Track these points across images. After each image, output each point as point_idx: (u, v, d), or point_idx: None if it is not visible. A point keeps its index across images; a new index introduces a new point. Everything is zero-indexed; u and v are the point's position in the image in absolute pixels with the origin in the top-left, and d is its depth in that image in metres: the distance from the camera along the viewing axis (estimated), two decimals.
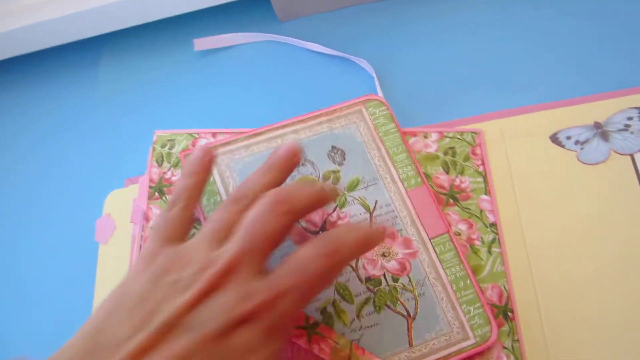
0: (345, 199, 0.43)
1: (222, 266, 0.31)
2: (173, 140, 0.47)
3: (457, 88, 0.51)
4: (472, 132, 0.47)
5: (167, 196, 0.44)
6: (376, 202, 0.43)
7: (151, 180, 0.45)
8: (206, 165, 0.39)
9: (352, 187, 0.44)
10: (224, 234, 0.34)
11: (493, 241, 0.43)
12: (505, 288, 0.41)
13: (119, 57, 0.61)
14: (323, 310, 0.40)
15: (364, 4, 0.57)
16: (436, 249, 0.41)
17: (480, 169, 0.45)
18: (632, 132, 0.45)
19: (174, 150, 0.46)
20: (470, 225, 0.43)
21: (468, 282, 0.40)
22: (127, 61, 0.60)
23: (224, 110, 0.54)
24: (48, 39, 0.58)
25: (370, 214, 0.43)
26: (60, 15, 0.55)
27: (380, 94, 0.51)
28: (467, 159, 0.46)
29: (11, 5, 0.56)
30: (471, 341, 0.38)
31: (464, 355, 0.38)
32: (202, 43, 0.58)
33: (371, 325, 0.39)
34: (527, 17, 0.53)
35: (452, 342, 0.38)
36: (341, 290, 0.40)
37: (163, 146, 0.47)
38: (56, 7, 0.55)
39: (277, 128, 0.46)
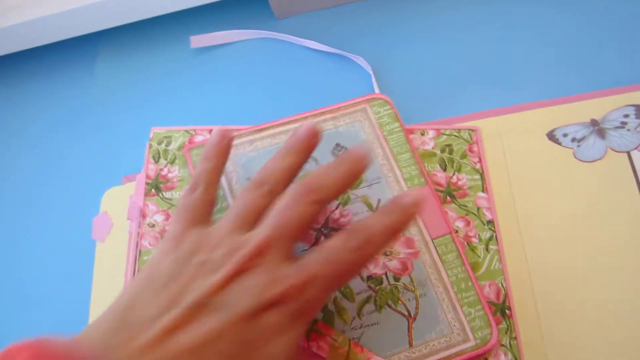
0: (349, 196, 0.43)
1: (253, 249, 0.32)
2: (170, 136, 0.47)
3: (454, 85, 0.51)
4: (469, 130, 0.47)
5: (163, 193, 0.44)
6: (379, 200, 0.43)
7: (148, 177, 0.45)
8: (224, 149, 0.40)
9: (356, 185, 0.44)
10: (249, 218, 0.35)
11: (490, 239, 0.43)
12: (502, 285, 0.41)
13: (115, 54, 0.61)
14: (324, 308, 0.40)
15: (361, 1, 0.57)
16: (438, 249, 0.41)
17: (477, 166, 0.45)
18: (628, 130, 0.45)
19: (170, 147, 0.46)
20: (468, 223, 0.43)
21: (469, 283, 0.40)
22: (123, 58, 0.60)
23: (221, 108, 0.54)
24: (43, 35, 0.57)
25: (374, 212, 0.42)
26: (56, 12, 0.54)
27: (377, 91, 0.51)
28: (464, 156, 0.46)
29: (6, 2, 0.56)
30: (471, 343, 0.38)
31: (464, 357, 0.38)
32: (198, 40, 0.58)
33: (372, 324, 0.39)
34: (524, 15, 0.53)
35: (453, 344, 0.38)
36: (342, 288, 0.40)
37: (160, 143, 0.46)
38: (52, 4, 0.55)
39: (281, 124, 0.46)
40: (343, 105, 0.46)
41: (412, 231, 0.42)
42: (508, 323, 0.40)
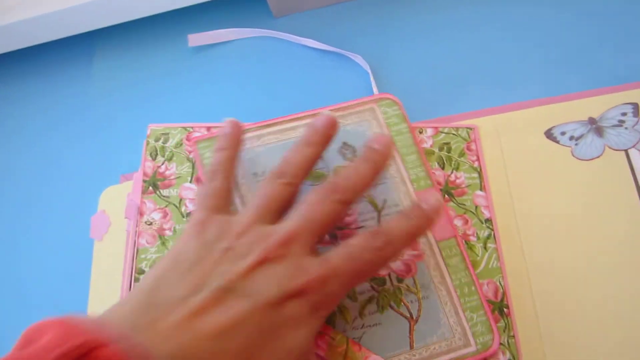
0: None
1: (280, 239, 0.33)
2: (167, 133, 0.47)
3: (452, 84, 0.51)
4: (467, 128, 0.47)
5: (161, 190, 0.44)
6: (385, 201, 0.42)
7: (145, 174, 0.45)
8: (238, 138, 0.41)
9: None
10: (271, 208, 0.36)
11: (488, 237, 0.43)
12: (500, 284, 0.41)
13: (113, 53, 0.61)
14: None
15: None
16: (443, 252, 0.41)
17: (475, 164, 0.45)
18: (626, 128, 0.45)
19: (167, 144, 0.46)
20: (466, 221, 0.43)
21: (473, 288, 0.40)
22: (121, 57, 0.60)
23: (219, 106, 0.54)
24: (41, 34, 0.57)
25: (379, 212, 0.42)
26: (53, 11, 0.54)
27: (375, 89, 0.51)
28: (462, 154, 0.46)
29: (4, 1, 0.56)
30: (472, 348, 0.38)
31: None
32: (196, 39, 0.58)
33: (373, 325, 0.39)
34: (521, 14, 0.53)
35: (453, 348, 0.38)
36: None
37: (157, 140, 0.46)
38: (49, 3, 0.55)
39: (290, 120, 0.46)
40: (351, 104, 0.46)
41: None
42: (506, 321, 0.40)
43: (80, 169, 0.54)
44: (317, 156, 0.39)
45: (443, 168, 0.45)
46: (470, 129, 0.47)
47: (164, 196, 0.44)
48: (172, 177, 0.45)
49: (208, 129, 0.46)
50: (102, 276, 0.47)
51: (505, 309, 0.40)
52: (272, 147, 0.44)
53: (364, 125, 0.45)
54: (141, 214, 0.43)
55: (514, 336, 0.39)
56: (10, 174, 0.55)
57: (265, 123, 0.45)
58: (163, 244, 0.42)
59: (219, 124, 0.47)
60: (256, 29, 0.57)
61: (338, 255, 0.34)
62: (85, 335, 0.26)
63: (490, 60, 0.52)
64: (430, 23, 0.55)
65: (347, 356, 0.37)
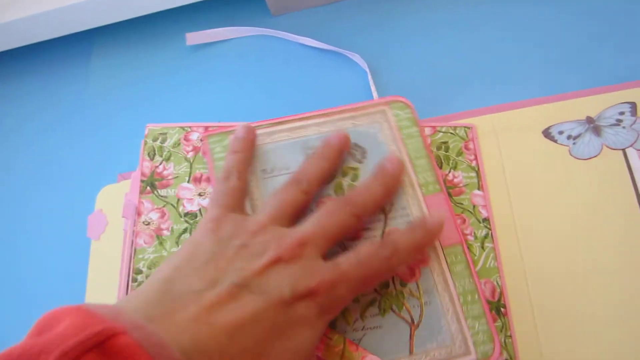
0: None
1: (295, 241, 0.35)
2: (165, 133, 0.47)
3: (450, 83, 0.51)
4: (465, 127, 0.47)
5: (159, 190, 0.44)
6: (392, 204, 0.42)
7: (143, 174, 0.45)
8: (251, 142, 0.43)
9: None
10: (286, 212, 0.38)
11: (486, 236, 0.43)
12: (498, 283, 0.41)
13: (110, 51, 0.60)
14: None
15: None
16: (448, 259, 0.40)
17: (473, 163, 0.45)
18: (624, 127, 0.45)
19: (165, 144, 0.46)
20: (463, 221, 0.43)
21: (476, 296, 0.39)
22: (119, 55, 0.60)
23: (217, 104, 0.54)
24: (38, 32, 0.57)
25: (386, 215, 0.42)
26: (51, 9, 0.54)
27: (373, 88, 0.51)
28: (460, 153, 0.46)
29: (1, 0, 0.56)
30: (472, 357, 0.38)
31: None
32: (194, 37, 0.57)
33: (374, 327, 0.39)
34: (519, 13, 0.53)
35: (453, 355, 0.38)
36: None
37: (155, 140, 0.46)
38: (47, 0, 0.55)
39: (301, 119, 0.46)
40: (364, 105, 0.46)
41: None
42: (503, 321, 0.40)
43: (78, 167, 0.54)
44: (331, 170, 0.42)
45: (441, 167, 0.45)
46: (468, 128, 0.47)
47: (161, 196, 0.44)
48: (170, 177, 0.45)
49: (206, 128, 0.46)
50: (99, 275, 0.47)
51: (502, 309, 0.40)
52: (282, 144, 0.44)
53: (375, 127, 0.45)
54: (139, 213, 0.43)
55: (510, 336, 0.39)
56: (8, 172, 0.55)
57: (277, 121, 0.46)
58: (161, 244, 0.42)
59: (216, 123, 0.47)
60: (254, 28, 0.57)
61: (348, 261, 0.35)
62: (103, 323, 0.27)
63: (488, 59, 0.51)
64: (428, 22, 0.55)
65: (344, 356, 0.37)
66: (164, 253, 0.42)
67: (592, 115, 0.46)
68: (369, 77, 0.51)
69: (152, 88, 0.57)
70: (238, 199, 0.40)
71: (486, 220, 0.43)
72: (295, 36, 0.55)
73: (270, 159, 0.44)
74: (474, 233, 0.43)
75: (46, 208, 0.52)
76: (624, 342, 0.39)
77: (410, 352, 0.38)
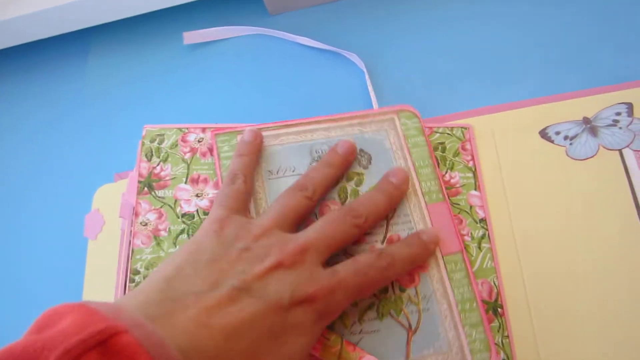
0: None
1: (297, 247, 0.35)
2: (162, 134, 0.47)
3: (447, 83, 0.51)
4: (462, 128, 0.47)
5: (156, 191, 0.44)
6: (395, 210, 0.43)
7: (140, 175, 0.45)
8: (257, 146, 0.44)
9: None
10: (289, 218, 0.38)
11: (483, 237, 0.43)
12: (495, 284, 0.41)
13: (108, 50, 0.60)
14: None
15: None
16: (447, 266, 0.41)
17: (470, 164, 0.45)
18: (620, 128, 0.45)
19: (163, 145, 0.46)
20: (460, 221, 0.43)
21: (474, 305, 0.39)
22: (116, 54, 0.60)
23: (214, 104, 0.54)
24: (35, 31, 0.57)
25: (388, 221, 0.42)
26: (48, 7, 0.54)
27: (370, 88, 0.51)
28: (456, 154, 0.46)
29: None
30: None
31: None
32: (191, 36, 0.57)
33: (371, 331, 0.39)
34: (517, 13, 0.53)
35: None
36: None
37: (152, 141, 0.46)
38: (43, 0, 0.54)
39: (309, 123, 0.46)
40: (373, 113, 0.46)
41: None
42: (500, 321, 0.40)
43: (75, 167, 0.54)
44: (336, 177, 0.43)
45: (438, 168, 0.45)
46: (465, 128, 0.47)
47: (159, 197, 0.44)
48: (168, 178, 0.45)
49: (203, 129, 0.46)
50: (96, 275, 0.46)
51: (499, 309, 0.40)
52: (289, 147, 0.45)
53: (382, 134, 0.45)
54: (136, 214, 0.43)
55: (508, 336, 0.39)
56: (4, 171, 0.55)
57: (285, 123, 0.46)
58: (158, 244, 0.42)
59: (214, 125, 0.47)
60: (251, 27, 0.57)
61: (346, 269, 0.36)
62: (105, 321, 0.27)
63: (486, 59, 0.52)
64: (425, 22, 0.55)
65: (341, 356, 0.37)
66: (162, 254, 0.42)
67: (589, 115, 0.46)
68: (366, 76, 0.51)
69: (150, 87, 0.57)
70: (243, 201, 0.40)
71: (483, 220, 0.43)
72: (293, 36, 0.55)
73: (277, 160, 0.44)
74: (471, 233, 0.43)
75: (43, 207, 0.52)
76: (621, 340, 0.39)
77: (407, 357, 0.38)
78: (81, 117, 0.56)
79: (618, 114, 0.46)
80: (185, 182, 0.44)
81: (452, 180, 0.45)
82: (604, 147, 0.45)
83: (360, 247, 0.41)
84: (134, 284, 0.41)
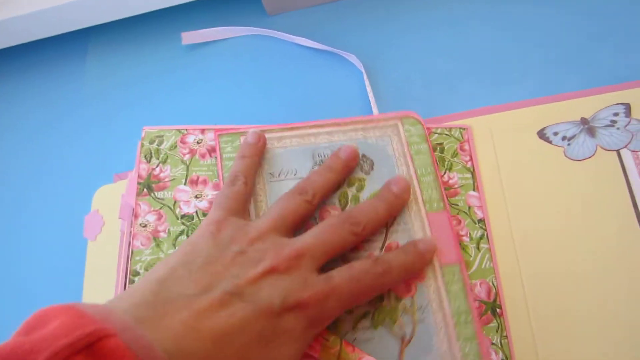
0: None
1: (292, 252, 0.35)
2: (161, 136, 0.47)
3: (445, 83, 0.51)
4: (460, 128, 0.47)
5: (155, 192, 0.44)
6: (395, 218, 0.42)
7: (139, 177, 0.45)
8: (259, 148, 0.44)
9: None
10: (287, 221, 0.38)
11: (481, 237, 0.43)
12: (493, 284, 0.41)
13: (106, 50, 0.60)
14: None
15: None
16: (445, 277, 0.40)
17: (469, 164, 0.46)
18: (618, 128, 0.46)
19: (162, 147, 0.46)
20: (459, 222, 0.43)
21: (470, 318, 0.39)
22: (114, 54, 0.60)
23: (213, 104, 0.54)
24: (33, 31, 0.57)
25: (387, 229, 0.42)
26: (46, 7, 0.54)
27: (369, 89, 0.51)
28: (455, 154, 0.46)
29: None
30: None
31: None
32: (190, 37, 0.57)
33: (364, 340, 0.38)
34: (515, 14, 0.53)
35: None
36: None
37: (151, 142, 0.46)
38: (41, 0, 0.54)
39: (312, 126, 0.46)
40: (377, 118, 0.46)
41: None
42: (499, 322, 0.40)
43: (74, 167, 0.54)
44: (337, 182, 0.42)
45: (440, 176, 0.45)
46: (464, 129, 0.47)
47: (158, 198, 0.44)
48: (167, 179, 0.45)
49: (202, 131, 0.46)
50: (95, 276, 0.47)
51: (498, 309, 0.40)
52: (292, 150, 0.45)
53: (385, 140, 0.45)
54: (136, 216, 0.43)
55: (506, 336, 0.39)
56: (3, 172, 0.55)
57: (288, 126, 0.46)
58: (157, 245, 0.42)
59: (213, 126, 0.47)
60: (250, 28, 0.57)
61: (341, 275, 0.36)
62: (94, 324, 0.27)
63: (484, 60, 0.52)
64: (424, 22, 0.55)
65: (341, 357, 0.37)
66: (161, 255, 0.42)
67: (587, 116, 0.46)
68: (365, 77, 0.52)
69: (148, 87, 0.57)
70: (242, 203, 0.40)
71: (481, 221, 0.43)
72: (291, 36, 0.55)
73: (279, 162, 0.44)
74: (470, 234, 0.43)
75: (42, 208, 0.52)
76: (620, 341, 0.39)
77: None
78: (80, 118, 0.56)
79: (616, 114, 0.46)
80: (185, 184, 0.45)
81: (450, 181, 0.45)
82: (602, 148, 0.45)
83: (358, 253, 0.41)
84: None
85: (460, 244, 0.42)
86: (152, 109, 0.55)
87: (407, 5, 0.56)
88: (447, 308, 0.39)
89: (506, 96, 0.49)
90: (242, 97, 0.54)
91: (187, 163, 0.45)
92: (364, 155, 0.44)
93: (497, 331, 0.39)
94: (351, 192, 0.43)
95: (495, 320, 0.40)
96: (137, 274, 0.41)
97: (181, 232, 0.43)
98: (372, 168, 0.44)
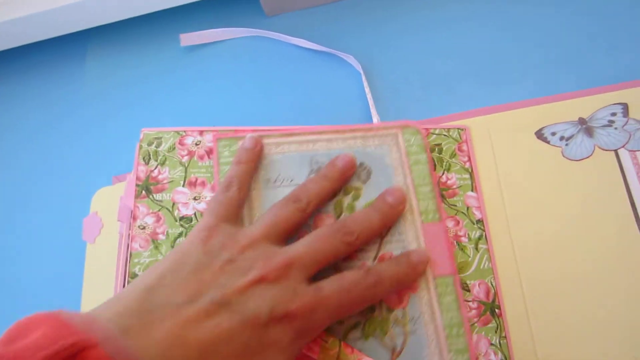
0: None
1: (282, 261, 0.34)
2: (160, 138, 0.46)
3: (443, 84, 0.51)
4: (459, 129, 0.47)
5: (154, 195, 0.44)
6: (389, 228, 0.42)
7: (138, 179, 0.45)
8: (256, 154, 0.43)
9: None
10: (279, 230, 0.38)
11: (480, 238, 0.43)
12: (492, 284, 0.41)
13: (105, 52, 0.60)
14: None
15: None
16: (438, 289, 0.40)
17: (467, 165, 0.46)
18: (615, 128, 0.46)
19: (160, 148, 0.46)
20: (457, 222, 0.43)
21: (462, 330, 0.39)
22: (113, 56, 0.60)
23: (211, 105, 0.54)
24: (32, 33, 0.57)
25: (381, 239, 0.42)
26: (45, 9, 0.54)
27: (367, 90, 0.51)
28: (453, 155, 0.46)
29: None
30: None
31: None
32: (188, 38, 0.57)
33: None
34: (513, 14, 0.53)
35: None
36: None
37: (150, 144, 0.46)
38: (41, 1, 0.54)
39: (311, 133, 0.45)
40: (377, 127, 0.46)
41: None
42: (498, 322, 0.40)
43: (73, 169, 0.54)
44: (332, 191, 0.42)
45: (434, 169, 0.45)
46: (462, 129, 0.47)
47: (157, 200, 0.44)
48: (165, 181, 0.45)
49: (201, 132, 0.46)
50: (94, 279, 0.47)
51: (496, 310, 0.40)
52: (289, 156, 0.44)
53: (383, 149, 0.45)
54: (134, 218, 0.43)
55: (505, 337, 0.40)
56: (2, 174, 0.55)
57: (287, 132, 0.45)
58: (156, 248, 0.42)
59: (211, 128, 0.47)
60: (248, 29, 0.57)
61: (331, 286, 0.35)
62: (77, 335, 0.27)
63: (481, 60, 0.52)
64: (422, 23, 0.55)
65: (340, 359, 0.37)
66: (160, 257, 0.42)
67: (584, 116, 0.47)
68: (363, 78, 0.52)
69: (147, 89, 0.57)
70: (235, 209, 0.40)
71: (480, 221, 0.44)
72: (289, 37, 0.55)
73: (276, 169, 0.44)
74: (468, 235, 0.43)
75: (41, 210, 0.52)
76: (617, 343, 0.39)
77: None
78: (79, 119, 0.56)
79: (613, 114, 0.46)
80: (183, 185, 0.44)
81: (448, 182, 0.45)
82: (600, 148, 0.45)
83: (351, 263, 0.40)
84: None
85: (458, 245, 0.42)
86: (151, 110, 0.55)
87: (405, 6, 0.56)
88: (439, 320, 0.39)
89: (504, 96, 0.49)
90: (241, 98, 0.54)
91: (186, 165, 0.45)
92: (361, 164, 0.44)
93: (496, 331, 0.39)
94: (347, 200, 0.43)
95: (494, 321, 0.40)
96: (135, 276, 0.41)
97: (180, 234, 0.43)
98: (369, 177, 0.44)
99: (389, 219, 0.41)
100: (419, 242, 0.41)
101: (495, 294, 0.41)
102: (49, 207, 0.52)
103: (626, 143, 0.45)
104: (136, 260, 0.42)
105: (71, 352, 0.26)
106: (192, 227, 0.43)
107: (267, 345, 0.32)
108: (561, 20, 0.52)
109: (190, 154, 0.46)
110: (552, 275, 0.42)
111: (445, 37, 0.54)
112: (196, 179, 0.45)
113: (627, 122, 0.46)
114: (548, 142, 0.46)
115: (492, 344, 0.39)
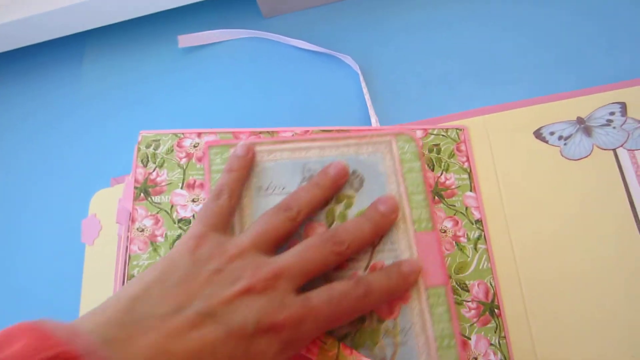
0: None
1: (270, 272, 0.34)
2: (158, 140, 0.46)
3: (441, 84, 0.51)
4: (457, 129, 0.47)
5: (152, 197, 0.44)
6: (382, 237, 0.42)
7: (136, 181, 0.45)
8: (248, 162, 0.43)
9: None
10: (269, 239, 0.37)
11: (479, 238, 0.43)
12: (491, 284, 0.41)
13: (102, 54, 0.60)
14: None
15: None
16: (430, 300, 0.40)
17: (465, 165, 0.46)
18: (614, 127, 0.46)
19: (159, 151, 0.46)
20: (456, 223, 0.43)
21: (453, 342, 0.38)
22: (111, 58, 0.60)
23: (210, 107, 0.54)
24: (29, 35, 0.57)
25: (373, 248, 0.41)
26: (42, 12, 0.54)
27: (365, 90, 0.51)
28: (452, 155, 0.46)
29: None
30: None
31: None
32: (186, 40, 0.57)
33: None
34: (511, 14, 0.53)
35: None
36: None
37: (148, 146, 0.46)
38: (38, 3, 0.54)
39: (304, 140, 0.45)
40: (371, 134, 0.45)
41: None
42: (497, 322, 0.40)
43: (71, 171, 0.54)
44: (324, 199, 0.41)
45: (433, 169, 0.45)
46: (460, 129, 0.47)
47: (155, 203, 0.44)
48: (164, 183, 0.45)
49: (199, 134, 0.46)
50: (93, 281, 0.47)
51: (496, 310, 0.40)
52: (282, 163, 0.44)
53: (377, 156, 0.44)
54: (133, 220, 0.43)
55: (504, 337, 0.40)
56: (0, 176, 0.55)
57: (279, 139, 0.45)
58: (155, 250, 0.42)
59: (210, 130, 0.47)
60: (246, 30, 0.57)
61: (319, 297, 0.35)
62: (59, 346, 0.26)
63: (480, 60, 0.52)
64: (420, 23, 0.55)
65: None
66: (158, 259, 0.42)
67: (583, 115, 0.47)
68: (361, 78, 0.52)
69: (145, 90, 0.57)
70: (225, 218, 0.39)
71: (479, 221, 0.43)
72: (287, 38, 0.55)
73: (268, 176, 0.43)
74: (467, 235, 0.43)
75: (39, 213, 0.52)
76: (616, 343, 0.39)
77: None
78: (77, 121, 0.56)
79: (612, 113, 0.46)
80: (181, 188, 0.44)
81: (447, 182, 0.45)
82: (598, 147, 0.45)
83: (342, 272, 0.40)
84: None
85: (457, 245, 0.42)
86: (150, 111, 0.55)
87: (403, 6, 0.56)
88: (430, 331, 0.39)
89: (502, 96, 0.49)
90: (239, 99, 0.54)
91: (184, 167, 0.45)
92: (354, 172, 0.44)
93: (495, 332, 0.39)
94: (339, 209, 0.42)
95: (493, 321, 0.40)
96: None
97: (178, 237, 0.43)
98: (361, 185, 0.43)
99: (381, 228, 0.40)
100: (411, 251, 0.41)
101: (495, 294, 0.41)
102: (48, 208, 0.52)
103: (625, 142, 0.45)
104: (135, 262, 0.42)
105: None
106: None
107: (252, 356, 0.32)
108: (559, 20, 0.52)
109: (189, 156, 0.46)
110: (551, 275, 0.42)
111: (443, 37, 0.53)
112: (194, 181, 0.45)
113: (625, 121, 0.46)
114: (546, 142, 0.46)
115: (491, 344, 0.39)
